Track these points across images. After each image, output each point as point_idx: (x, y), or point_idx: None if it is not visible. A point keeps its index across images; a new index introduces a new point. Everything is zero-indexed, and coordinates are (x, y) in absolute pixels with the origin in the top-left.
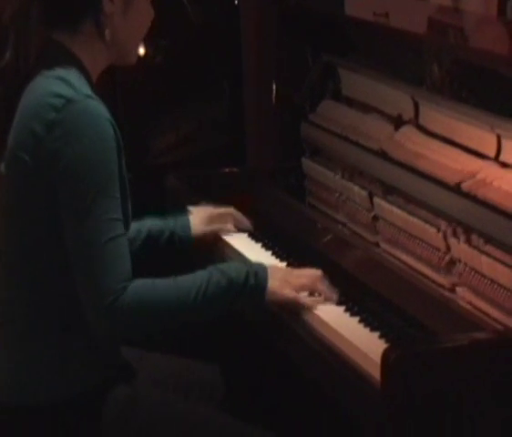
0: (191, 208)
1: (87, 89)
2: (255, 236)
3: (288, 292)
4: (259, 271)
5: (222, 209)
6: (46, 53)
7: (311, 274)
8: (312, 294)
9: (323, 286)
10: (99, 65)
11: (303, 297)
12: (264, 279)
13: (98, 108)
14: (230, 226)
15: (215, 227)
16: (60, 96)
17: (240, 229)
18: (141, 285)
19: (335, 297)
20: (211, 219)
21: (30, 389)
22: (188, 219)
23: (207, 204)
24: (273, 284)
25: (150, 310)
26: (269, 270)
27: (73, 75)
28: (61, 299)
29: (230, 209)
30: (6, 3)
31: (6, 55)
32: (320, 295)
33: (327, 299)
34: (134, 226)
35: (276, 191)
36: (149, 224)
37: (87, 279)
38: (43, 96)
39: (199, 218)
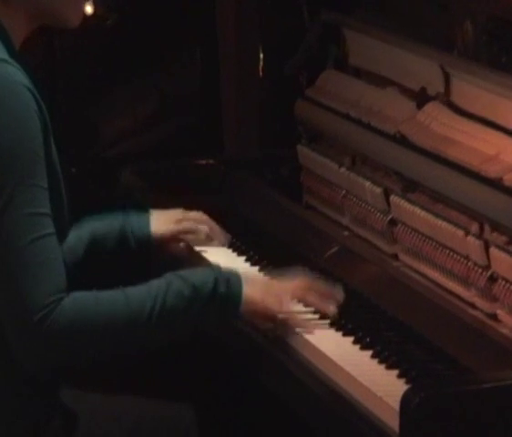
0: (154, 211)
1: (3, 53)
2: (236, 247)
3: (272, 302)
4: (231, 278)
5: (194, 213)
6: None
7: (299, 281)
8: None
9: (316, 297)
10: (22, 25)
11: (296, 311)
12: (238, 286)
13: (15, 74)
14: (202, 234)
15: (181, 227)
16: None
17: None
18: (80, 299)
19: (333, 309)
20: (178, 222)
21: None
22: (147, 217)
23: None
24: (251, 291)
25: (91, 331)
26: (243, 277)
27: None
28: None
29: (204, 217)
30: None
31: None
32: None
33: (323, 311)
34: (72, 232)
35: (263, 188)
36: (92, 226)
37: (7, 293)
38: None
39: (162, 218)
